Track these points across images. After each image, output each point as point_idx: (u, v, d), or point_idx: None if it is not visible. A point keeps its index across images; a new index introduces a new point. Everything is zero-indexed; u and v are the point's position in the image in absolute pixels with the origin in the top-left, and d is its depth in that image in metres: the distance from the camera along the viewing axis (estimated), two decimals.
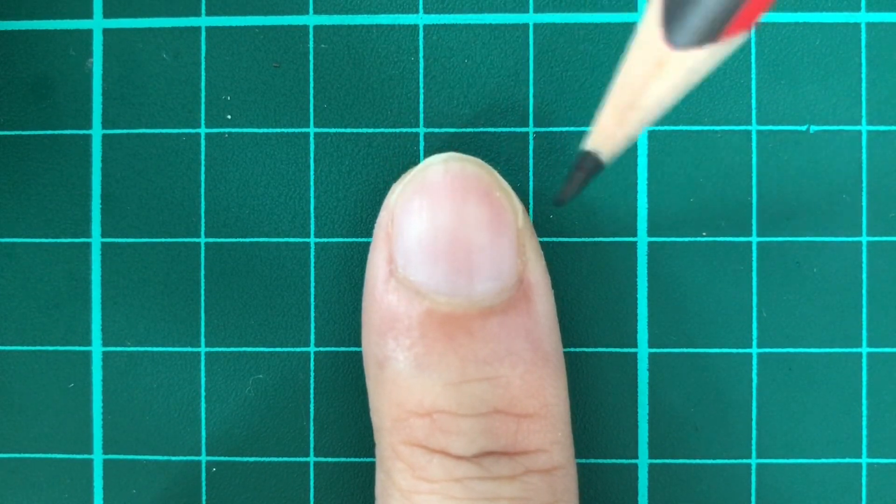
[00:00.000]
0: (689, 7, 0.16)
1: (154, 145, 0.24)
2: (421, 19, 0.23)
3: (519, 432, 0.19)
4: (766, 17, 0.23)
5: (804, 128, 0.23)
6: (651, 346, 0.23)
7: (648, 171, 0.23)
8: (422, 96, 0.23)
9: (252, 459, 0.23)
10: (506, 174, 0.23)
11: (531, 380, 0.19)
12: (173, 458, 0.24)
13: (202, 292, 0.24)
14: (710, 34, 0.16)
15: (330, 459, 0.23)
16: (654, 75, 0.17)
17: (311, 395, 0.23)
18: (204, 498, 0.24)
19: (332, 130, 0.23)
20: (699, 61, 0.16)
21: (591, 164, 0.18)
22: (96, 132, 0.23)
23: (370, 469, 0.23)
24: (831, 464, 0.23)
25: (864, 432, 0.23)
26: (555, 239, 0.23)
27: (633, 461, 0.23)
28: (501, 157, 0.23)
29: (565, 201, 0.19)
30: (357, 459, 0.23)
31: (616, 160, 0.23)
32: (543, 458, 0.19)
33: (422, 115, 0.23)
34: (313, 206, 0.23)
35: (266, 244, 0.23)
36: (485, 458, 0.19)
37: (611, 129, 0.18)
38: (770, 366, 0.23)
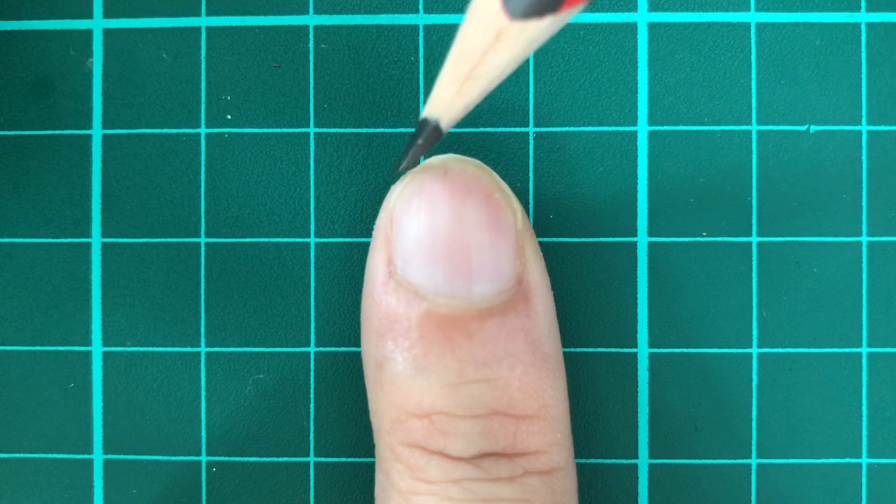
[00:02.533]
0: None
1: (154, 145, 0.24)
2: (421, 19, 0.23)
3: (518, 434, 0.19)
4: (765, 16, 0.23)
5: (804, 128, 0.23)
6: (651, 346, 0.23)
7: (648, 171, 0.23)
8: (422, 96, 0.23)
9: (252, 459, 0.24)
10: (506, 174, 0.23)
11: (530, 381, 0.19)
12: (173, 458, 0.24)
13: (202, 292, 0.24)
14: (551, 4, 0.16)
15: (330, 459, 0.23)
16: (492, 46, 0.16)
17: (311, 395, 0.23)
18: (204, 498, 0.24)
19: (332, 130, 0.23)
20: (539, 32, 0.16)
21: (431, 132, 0.18)
22: (96, 132, 0.24)
23: (370, 469, 0.23)
24: (831, 464, 0.23)
25: (864, 432, 0.23)
26: (555, 239, 0.23)
27: (633, 461, 0.23)
28: (501, 157, 0.23)
29: (405, 170, 0.19)
30: (357, 459, 0.23)
31: (616, 160, 0.23)
32: (542, 459, 0.19)
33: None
34: (313, 206, 0.23)
35: (266, 244, 0.23)
36: (483, 460, 0.19)
37: (449, 98, 0.18)
38: (770, 366, 0.23)
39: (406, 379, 0.19)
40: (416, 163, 0.19)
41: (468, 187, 0.19)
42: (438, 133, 0.18)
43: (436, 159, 0.20)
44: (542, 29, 0.16)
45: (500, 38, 0.16)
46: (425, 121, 0.18)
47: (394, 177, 0.23)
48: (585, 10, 0.23)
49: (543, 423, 0.19)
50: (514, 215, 0.20)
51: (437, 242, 0.19)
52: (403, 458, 0.19)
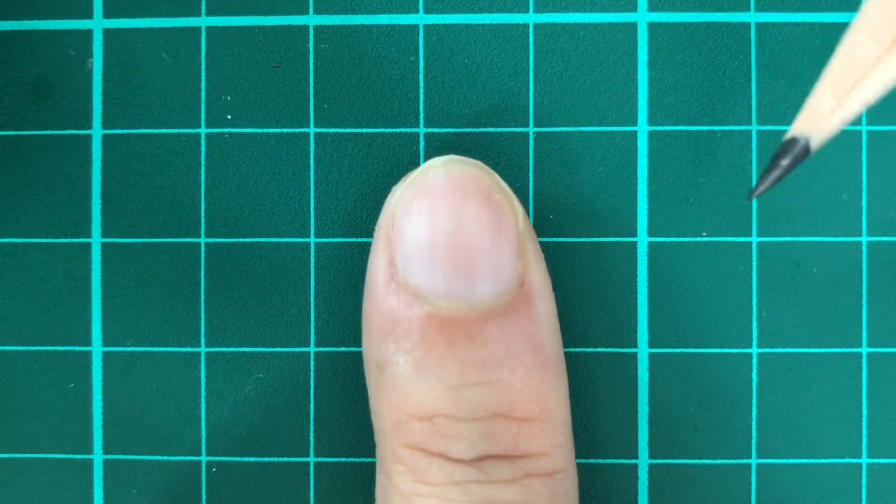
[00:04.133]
0: None
1: (154, 145, 0.23)
2: (421, 19, 0.23)
3: (519, 436, 0.19)
4: (765, 16, 0.23)
5: None
6: (651, 346, 0.23)
7: (648, 171, 0.23)
8: (422, 96, 0.23)
9: (252, 459, 0.24)
10: (506, 174, 0.23)
11: (531, 383, 0.19)
12: (173, 458, 0.24)
13: (202, 292, 0.24)
14: None
15: (330, 459, 0.23)
16: (889, 53, 0.15)
17: (311, 395, 0.23)
18: (204, 498, 0.24)
19: (332, 130, 0.23)
20: None
21: (799, 151, 0.17)
22: (96, 132, 0.23)
23: (370, 469, 0.23)
24: (831, 464, 0.23)
25: (864, 432, 0.23)
26: (555, 239, 0.23)
27: (633, 461, 0.23)
28: (501, 157, 0.23)
29: (760, 195, 0.18)
30: (357, 460, 0.23)
31: (616, 160, 0.23)
32: (544, 461, 0.19)
33: (422, 115, 0.23)
34: (313, 206, 0.23)
35: (266, 244, 0.23)
36: (484, 462, 0.19)
37: (826, 112, 0.16)
38: (770, 366, 0.23)
39: (407, 381, 0.19)
40: (772, 187, 0.17)
41: (469, 188, 0.19)
42: (807, 152, 0.17)
43: (436, 160, 0.20)
44: None
45: None
46: (794, 140, 0.17)
47: (395, 178, 0.23)
48: (585, 11, 0.23)
49: (545, 426, 0.19)
50: (516, 216, 0.20)
51: (438, 244, 0.19)
52: (404, 460, 0.19)
